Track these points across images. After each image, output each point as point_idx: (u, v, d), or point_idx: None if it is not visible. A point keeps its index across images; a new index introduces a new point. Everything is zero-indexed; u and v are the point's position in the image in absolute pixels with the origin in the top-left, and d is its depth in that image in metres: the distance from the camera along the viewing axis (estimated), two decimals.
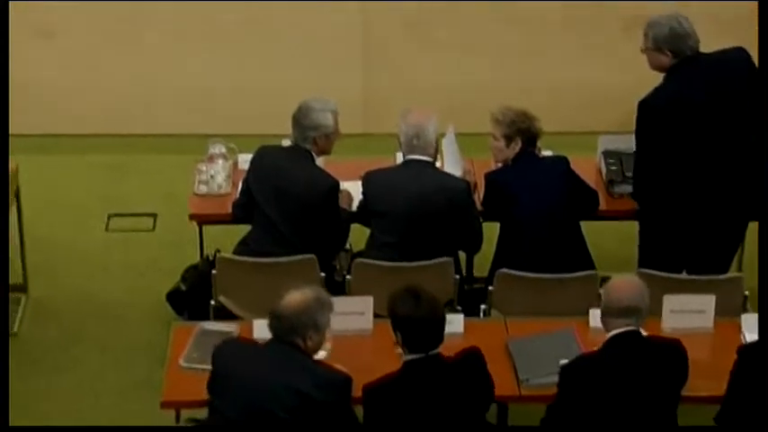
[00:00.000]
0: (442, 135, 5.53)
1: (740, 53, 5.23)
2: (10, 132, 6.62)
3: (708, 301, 4.81)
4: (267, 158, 5.32)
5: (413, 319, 4.19)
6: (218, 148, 5.73)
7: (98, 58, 6.98)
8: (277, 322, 4.18)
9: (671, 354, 4.30)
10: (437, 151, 5.26)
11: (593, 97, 7.04)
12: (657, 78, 5.31)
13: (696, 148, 5.14)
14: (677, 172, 5.17)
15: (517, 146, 5.27)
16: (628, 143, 5.52)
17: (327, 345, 4.49)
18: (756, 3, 5.51)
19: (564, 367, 4.30)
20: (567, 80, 7.04)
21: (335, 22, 6.95)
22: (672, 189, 5.20)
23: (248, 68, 6.97)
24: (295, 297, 4.18)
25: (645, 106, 5.16)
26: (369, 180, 5.22)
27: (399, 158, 5.33)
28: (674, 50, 5.12)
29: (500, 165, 5.38)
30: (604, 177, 5.67)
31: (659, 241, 5.32)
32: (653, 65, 5.20)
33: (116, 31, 6.95)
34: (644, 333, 4.29)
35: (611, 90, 6.96)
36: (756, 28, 5.37)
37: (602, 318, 4.34)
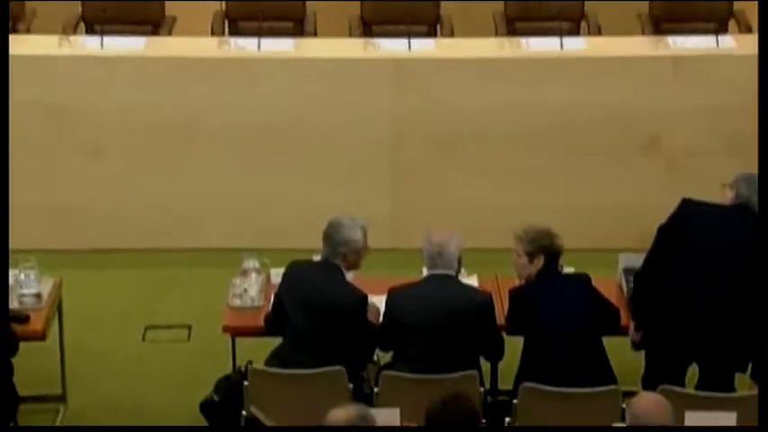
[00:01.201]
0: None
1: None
2: (56, 247, 6.70)
3: (729, 418, 4.66)
4: (298, 273, 5.28)
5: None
6: (251, 263, 5.71)
7: (140, 177, 7.01)
8: None
9: None
10: (460, 266, 5.20)
11: (613, 216, 6.98)
12: (674, 199, 5.29)
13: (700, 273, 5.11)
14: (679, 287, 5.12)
15: (540, 262, 5.19)
16: None
17: None
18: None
19: None
20: (588, 200, 7.00)
21: (366, 141, 6.96)
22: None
23: (281, 186, 6.98)
24: (339, 415, 4.06)
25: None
26: (393, 296, 5.15)
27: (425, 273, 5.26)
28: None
29: (523, 281, 5.29)
30: (625, 294, 5.59)
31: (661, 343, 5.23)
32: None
33: (157, 151, 6.98)
34: None
35: (630, 209, 6.93)
36: None
37: None
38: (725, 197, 5.30)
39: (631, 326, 5.33)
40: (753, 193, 5.20)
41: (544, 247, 5.18)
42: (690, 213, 5.23)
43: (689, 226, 5.19)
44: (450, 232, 5.18)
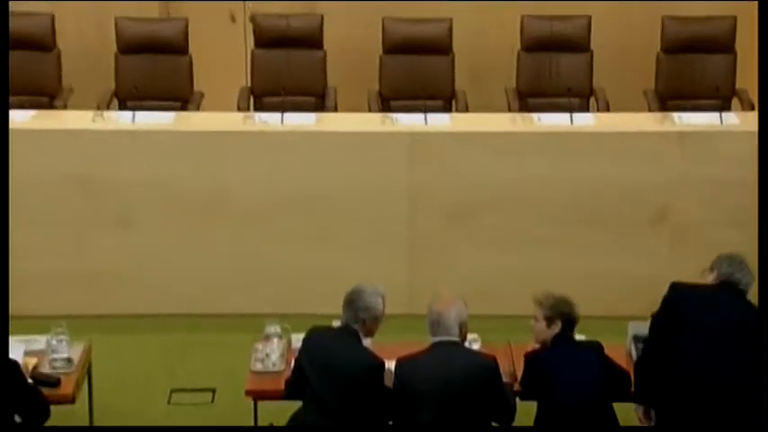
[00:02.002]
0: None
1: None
2: (86, 313, 6.68)
3: None
4: (317, 339, 5.26)
5: None
6: (273, 328, 5.69)
7: (167, 246, 7.01)
8: None
9: None
10: (463, 332, 5.10)
11: (622, 285, 6.94)
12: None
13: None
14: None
15: (557, 328, 5.18)
16: None
17: None
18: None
19: None
20: (597, 269, 6.96)
21: (384, 211, 6.96)
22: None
23: (302, 254, 6.96)
24: None
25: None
26: (399, 366, 5.09)
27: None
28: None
29: (538, 345, 5.27)
30: (635, 361, 5.50)
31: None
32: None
33: (184, 221, 6.98)
34: None
35: (639, 278, 6.87)
36: None
37: None
38: (705, 280, 5.24)
39: (639, 411, 5.24)
40: (736, 271, 5.18)
41: (563, 314, 5.17)
42: (682, 295, 5.16)
43: (684, 307, 5.10)
44: (451, 300, 5.11)
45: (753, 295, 5.18)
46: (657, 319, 5.18)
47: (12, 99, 7.75)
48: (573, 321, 5.21)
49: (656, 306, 5.29)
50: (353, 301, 5.17)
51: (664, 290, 5.28)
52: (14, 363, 5.02)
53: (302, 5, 8.49)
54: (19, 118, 7.01)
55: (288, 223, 6.94)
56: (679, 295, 5.16)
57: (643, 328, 5.55)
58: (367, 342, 5.22)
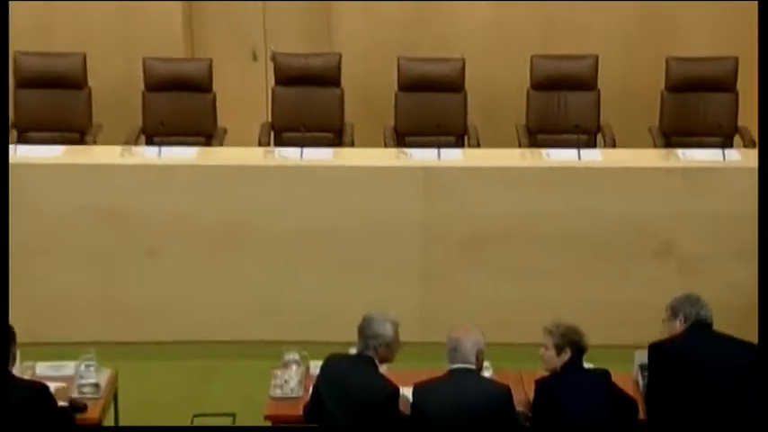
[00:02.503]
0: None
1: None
2: (113, 340, 6.67)
3: None
4: (334, 366, 5.22)
5: None
6: (292, 356, 5.66)
7: (191, 276, 7.00)
8: None
9: None
10: (480, 361, 5.07)
11: (629, 315, 6.88)
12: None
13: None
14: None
15: (566, 356, 5.13)
16: None
17: None
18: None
19: None
20: (606, 299, 6.93)
21: (399, 243, 6.95)
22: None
23: (321, 284, 6.95)
24: None
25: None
26: (416, 391, 5.05)
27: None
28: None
29: (548, 372, 5.21)
30: (641, 389, 5.48)
31: None
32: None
33: (207, 252, 6.98)
34: None
35: (645, 308, 6.74)
36: None
37: None
38: (671, 330, 5.21)
39: None
40: (700, 309, 5.17)
41: (573, 343, 5.13)
42: (667, 353, 5.13)
43: (676, 362, 5.07)
44: (468, 328, 5.09)
45: None
46: (654, 385, 5.16)
47: (44, 135, 7.84)
48: (582, 350, 5.17)
49: (662, 337, 5.26)
50: (364, 329, 5.15)
51: None
52: (44, 387, 5.00)
53: (319, 44, 8.54)
54: (51, 153, 7.05)
55: (307, 253, 6.93)
56: (665, 353, 5.13)
57: None
58: (383, 368, 5.17)
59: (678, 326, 5.21)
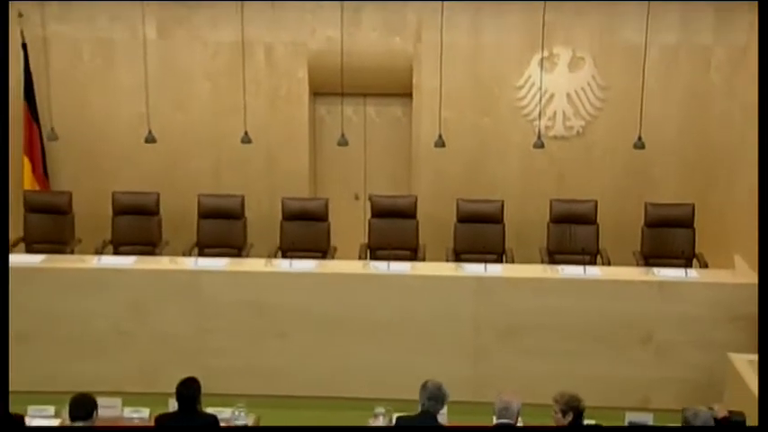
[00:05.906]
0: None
1: None
2: (258, 393, 6.54)
3: None
4: (401, 421, 5.15)
5: None
6: (380, 409, 5.54)
7: (311, 350, 6.96)
8: None
9: None
10: (519, 417, 5.01)
11: (620, 385, 6.79)
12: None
13: None
14: None
15: (570, 417, 5.04)
16: (647, 418, 5.27)
17: None
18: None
19: None
20: (603, 373, 6.82)
21: (456, 330, 6.89)
22: None
23: (399, 358, 6.87)
24: None
25: None
26: None
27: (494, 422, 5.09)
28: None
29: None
30: None
31: None
32: None
33: (322, 334, 6.93)
34: None
35: (632, 381, 6.76)
36: None
37: None
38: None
39: None
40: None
41: (573, 407, 5.03)
42: None
43: None
44: (515, 393, 5.03)
45: None
46: None
47: (214, 250, 7.71)
48: (581, 412, 5.04)
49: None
50: (427, 391, 5.05)
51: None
52: (215, 418, 5.02)
53: (402, 188, 8.50)
54: (221, 263, 7.12)
55: (390, 337, 6.92)
56: None
57: (636, 417, 5.44)
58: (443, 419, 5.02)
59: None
